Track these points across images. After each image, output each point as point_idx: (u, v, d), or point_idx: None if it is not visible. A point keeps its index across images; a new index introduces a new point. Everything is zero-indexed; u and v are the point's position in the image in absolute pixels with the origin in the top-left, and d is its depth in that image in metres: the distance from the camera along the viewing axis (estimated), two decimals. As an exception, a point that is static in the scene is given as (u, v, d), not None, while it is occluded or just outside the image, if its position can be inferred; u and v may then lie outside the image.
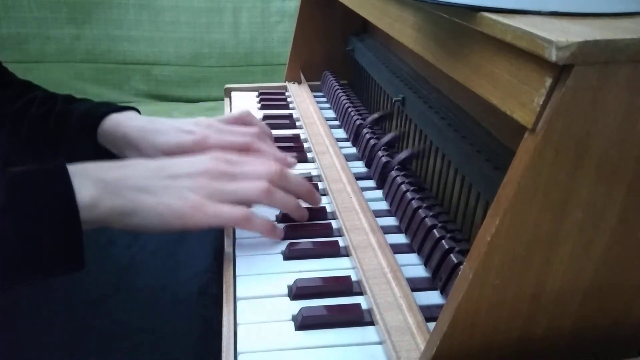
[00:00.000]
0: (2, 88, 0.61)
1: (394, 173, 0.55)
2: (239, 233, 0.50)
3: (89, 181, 0.41)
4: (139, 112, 0.60)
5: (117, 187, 0.42)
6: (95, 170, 0.43)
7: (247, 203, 0.46)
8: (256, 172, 0.47)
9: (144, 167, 0.46)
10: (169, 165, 0.46)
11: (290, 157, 0.56)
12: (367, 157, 0.63)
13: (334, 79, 0.83)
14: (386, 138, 0.62)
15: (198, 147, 0.53)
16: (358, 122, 0.68)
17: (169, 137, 0.54)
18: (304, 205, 0.52)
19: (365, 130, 0.65)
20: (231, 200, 0.45)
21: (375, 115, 0.67)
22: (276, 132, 0.68)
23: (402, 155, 0.57)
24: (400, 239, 0.50)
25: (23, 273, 0.39)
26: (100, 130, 0.56)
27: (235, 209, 0.44)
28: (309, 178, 0.60)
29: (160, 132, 0.54)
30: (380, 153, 0.59)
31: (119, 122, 0.56)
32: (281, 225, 0.50)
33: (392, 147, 0.62)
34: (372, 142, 0.62)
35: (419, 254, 0.47)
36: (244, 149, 0.53)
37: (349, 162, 0.61)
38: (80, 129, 0.57)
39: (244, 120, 0.58)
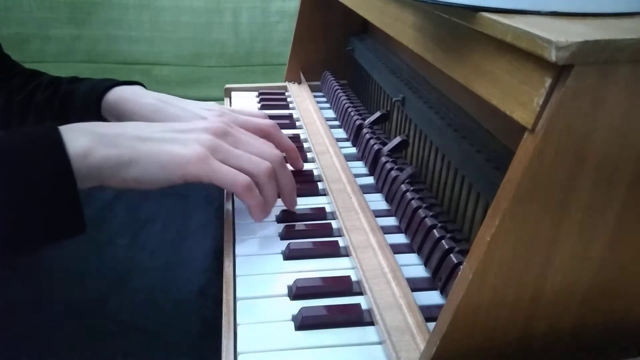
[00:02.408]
0: (10, 78, 0.61)
1: (393, 173, 0.55)
2: (240, 232, 0.50)
3: (83, 133, 0.39)
4: (144, 86, 0.59)
5: (114, 137, 0.40)
6: (91, 125, 0.41)
7: (247, 174, 0.45)
8: (261, 150, 0.47)
9: (146, 124, 0.44)
10: (172, 124, 0.45)
11: (301, 162, 0.58)
12: (367, 157, 0.63)
13: (333, 79, 0.83)
14: (390, 144, 0.62)
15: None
16: (358, 122, 0.68)
17: (180, 119, 0.52)
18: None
19: (365, 130, 0.65)
20: (233, 165, 0.44)
21: (376, 115, 0.67)
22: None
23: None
24: (400, 239, 0.50)
25: (22, 238, 0.38)
26: (105, 103, 0.54)
27: (238, 174, 0.43)
28: (310, 175, 0.60)
29: (170, 113, 0.53)
30: (380, 153, 0.59)
31: (126, 96, 0.54)
32: (281, 226, 0.50)
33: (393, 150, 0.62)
34: (371, 142, 0.62)
35: (418, 254, 0.47)
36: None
37: (349, 162, 0.61)
38: (84, 104, 0.55)
39: (257, 116, 0.57)
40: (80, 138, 0.39)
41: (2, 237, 0.37)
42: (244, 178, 0.43)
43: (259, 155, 0.46)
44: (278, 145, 0.52)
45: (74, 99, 0.56)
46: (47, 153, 0.38)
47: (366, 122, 0.67)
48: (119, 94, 0.55)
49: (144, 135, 0.42)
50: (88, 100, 0.55)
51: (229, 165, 0.44)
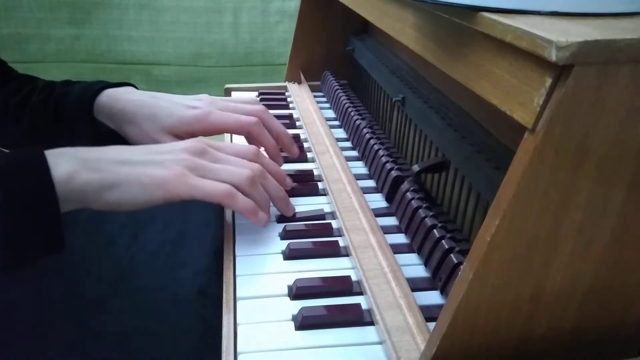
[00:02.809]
0: (5, 83, 0.61)
1: (393, 173, 0.55)
2: (239, 232, 0.50)
3: (65, 159, 0.40)
4: (136, 87, 0.59)
5: (95, 162, 0.42)
6: (74, 150, 0.42)
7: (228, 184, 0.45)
8: (240, 163, 0.47)
9: (123, 148, 0.45)
10: (150, 146, 0.46)
11: (295, 147, 0.57)
12: (367, 157, 0.63)
13: (334, 79, 0.83)
14: (388, 142, 0.62)
15: (200, 123, 0.52)
16: (358, 122, 0.68)
17: (170, 111, 0.53)
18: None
19: (365, 131, 0.65)
20: (213, 179, 0.44)
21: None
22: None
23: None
24: (400, 239, 0.50)
25: (5, 255, 0.38)
26: (97, 105, 0.55)
27: (218, 184, 0.44)
28: (310, 174, 0.60)
29: (161, 106, 0.53)
30: (380, 153, 0.59)
31: (117, 96, 0.55)
32: (281, 226, 0.50)
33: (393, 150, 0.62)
34: (372, 142, 0.62)
35: (419, 254, 0.47)
36: (245, 130, 0.54)
37: (349, 162, 0.61)
38: (77, 107, 0.56)
39: (248, 102, 0.58)
40: (63, 163, 0.40)
41: None
42: (224, 186, 0.44)
43: (238, 166, 0.47)
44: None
45: (67, 101, 0.57)
46: (31, 176, 0.39)
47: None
48: (110, 95, 0.55)
49: (125, 159, 0.43)
50: (81, 103, 0.56)
51: (210, 179, 0.44)
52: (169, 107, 0.53)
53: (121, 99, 0.55)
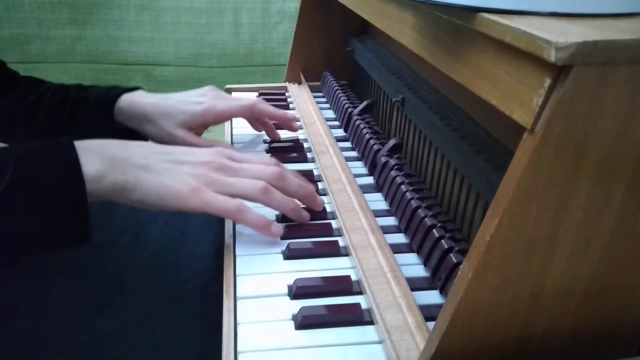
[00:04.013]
0: (13, 86, 0.65)
1: (393, 173, 0.55)
2: (240, 232, 0.50)
3: (95, 156, 0.43)
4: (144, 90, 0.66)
5: (121, 163, 0.44)
6: (101, 147, 0.45)
7: (244, 199, 0.47)
8: (256, 171, 0.48)
9: (149, 149, 0.48)
10: (173, 151, 0.48)
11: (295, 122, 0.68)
12: (367, 157, 0.63)
13: (333, 79, 0.83)
14: (394, 141, 0.62)
15: (208, 114, 0.61)
16: (358, 122, 0.68)
17: (181, 108, 0.60)
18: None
19: (365, 131, 0.65)
20: (227, 193, 0.46)
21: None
22: (276, 133, 0.70)
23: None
24: (400, 238, 0.50)
25: (31, 245, 0.41)
26: (116, 109, 0.61)
27: (230, 200, 0.46)
28: (310, 175, 0.60)
29: (173, 105, 0.61)
30: (380, 153, 0.59)
31: (133, 100, 0.61)
32: (281, 225, 0.50)
33: (393, 150, 0.62)
34: (371, 142, 0.62)
35: (418, 254, 0.47)
36: (249, 112, 0.64)
37: (348, 162, 0.61)
38: (98, 111, 0.62)
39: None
40: (94, 161, 0.43)
41: (14, 243, 0.40)
42: (233, 203, 0.46)
43: (254, 177, 0.48)
44: (288, 194, 0.50)
45: (87, 104, 0.62)
46: (63, 171, 0.41)
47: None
48: (128, 100, 0.62)
49: (147, 164, 0.46)
50: (101, 107, 0.62)
51: (225, 193, 0.46)
52: (180, 105, 0.61)
53: (138, 102, 0.61)
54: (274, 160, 0.53)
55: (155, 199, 0.44)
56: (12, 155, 0.40)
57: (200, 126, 0.63)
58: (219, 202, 0.45)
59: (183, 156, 0.48)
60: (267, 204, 0.48)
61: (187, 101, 0.61)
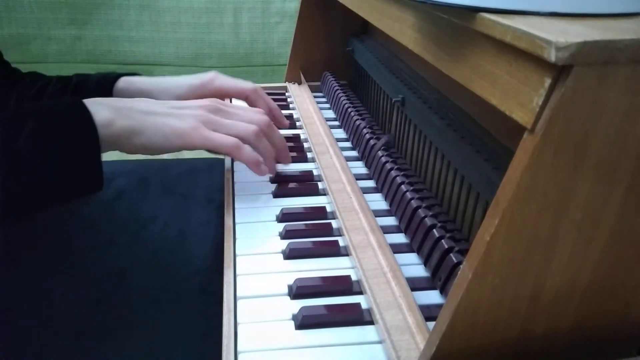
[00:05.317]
0: (16, 81, 0.65)
1: (393, 173, 0.55)
2: (240, 231, 0.50)
3: (104, 107, 0.47)
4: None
5: (127, 111, 0.48)
6: (108, 100, 0.49)
7: (236, 137, 0.52)
8: (249, 116, 0.54)
9: (151, 101, 0.52)
10: (172, 102, 0.53)
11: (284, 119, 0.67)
12: (367, 157, 0.63)
13: (333, 79, 0.83)
14: (384, 139, 0.62)
15: (205, 88, 0.63)
16: (358, 122, 0.68)
17: (180, 82, 0.63)
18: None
19: (365, 131, 0.65)
20: (224, 133, 0.51)
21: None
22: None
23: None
24: (400, 238, 0.50)
25: (52, 193, 0.44)
26: (116, 89, 0.63)
27: (228, 137, 0.51)
28: (309, 175, 0.60)
29: (172, 81, 0.64)
30: (379, 153, 0.59)
31: (132, 80, 0.64)
32: (281, 225, 0.50)
33: (392, 149, 0.62)
34: (371, 142, 0.62)
35: (418, 254, 0.47)
36: (248, 93, 0.65)
37: (348, 162, 0.61)
38: (99, 92, 0.63)
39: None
40: (103, 110, 0.47)
41: (36, 191, 0.43)
42: (232, 139, 0.51)
43: (247, 121, 0.53)
44: (272, 142, 0.56)
45: (87, 87, 0.64)
46: (76, 120, 0.45)
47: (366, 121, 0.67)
48: (128, 81, 0.64)
49: (150, 110, 0.50)
50: (101, 88, 0.64)
51: (221, 133, 0.51)
52: (179, 80, 0.64)
53: (137, 81, 0.64)
54: (262, 110, 0.58)
55: (160, 139, 0.48)
56: (32, 111, 0.45)
57: (197, 98, 0.63)
58: (218, 139, 0.50)
59: (181, 104, 0.52)
60: (255, 147, 0.53)
61: (186, 78, 0.64)
